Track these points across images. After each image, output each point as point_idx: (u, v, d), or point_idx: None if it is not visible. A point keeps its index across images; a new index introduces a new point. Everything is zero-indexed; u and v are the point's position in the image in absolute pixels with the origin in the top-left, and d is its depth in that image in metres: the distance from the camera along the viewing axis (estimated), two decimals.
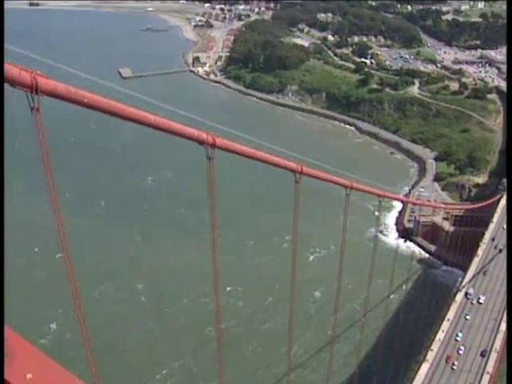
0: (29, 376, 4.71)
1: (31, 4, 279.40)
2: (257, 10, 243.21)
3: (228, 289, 65.71)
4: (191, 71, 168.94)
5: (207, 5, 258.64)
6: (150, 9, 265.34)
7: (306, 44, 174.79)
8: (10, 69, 6.45)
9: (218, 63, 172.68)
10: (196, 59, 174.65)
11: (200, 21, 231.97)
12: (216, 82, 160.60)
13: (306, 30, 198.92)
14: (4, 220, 5.14)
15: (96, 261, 68.63)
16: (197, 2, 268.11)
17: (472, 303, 58.14)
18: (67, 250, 7.88)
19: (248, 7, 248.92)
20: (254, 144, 13.41)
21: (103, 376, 8.87)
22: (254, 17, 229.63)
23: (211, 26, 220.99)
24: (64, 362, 5.05)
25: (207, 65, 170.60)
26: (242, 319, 63.22)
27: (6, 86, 6.47)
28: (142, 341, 60.50)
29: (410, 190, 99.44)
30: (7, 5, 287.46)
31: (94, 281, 64.01)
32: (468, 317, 55.82)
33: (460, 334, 53.13)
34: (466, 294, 59.33)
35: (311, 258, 75.47)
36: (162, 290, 68.71)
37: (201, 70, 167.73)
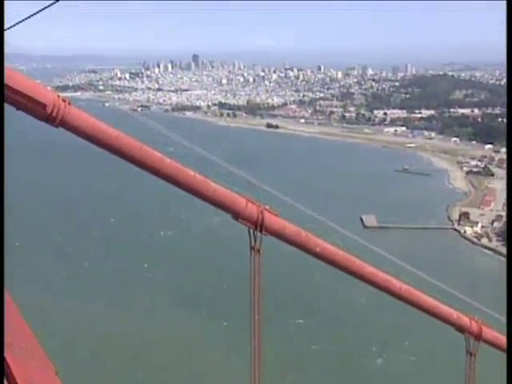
0: None
1: (269, 126, 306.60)
2: None
3: None
4: (456, 230, 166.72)
5: (488, 146, 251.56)
6: (411, 145, 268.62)
7: None
8: (237, 199, 6.73)
9: (495, 224, 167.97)
10: (464, 215, 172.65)
11: (476, 166, 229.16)
12: (488, 248, 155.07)
13: None
14: (4, 222, 5.45)
15: None
16: (474, 142, 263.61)
17: None
18: None
19: None
20: None
21: None
22: None
23: (491, 175, 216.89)
24: None
25: (479, 225, 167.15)
26: None
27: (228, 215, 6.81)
28: None
29: None
30: (243, 124, 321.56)
31: None
32: None
33: None
34: None
35: None
36: None
37: (469, 231, 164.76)
